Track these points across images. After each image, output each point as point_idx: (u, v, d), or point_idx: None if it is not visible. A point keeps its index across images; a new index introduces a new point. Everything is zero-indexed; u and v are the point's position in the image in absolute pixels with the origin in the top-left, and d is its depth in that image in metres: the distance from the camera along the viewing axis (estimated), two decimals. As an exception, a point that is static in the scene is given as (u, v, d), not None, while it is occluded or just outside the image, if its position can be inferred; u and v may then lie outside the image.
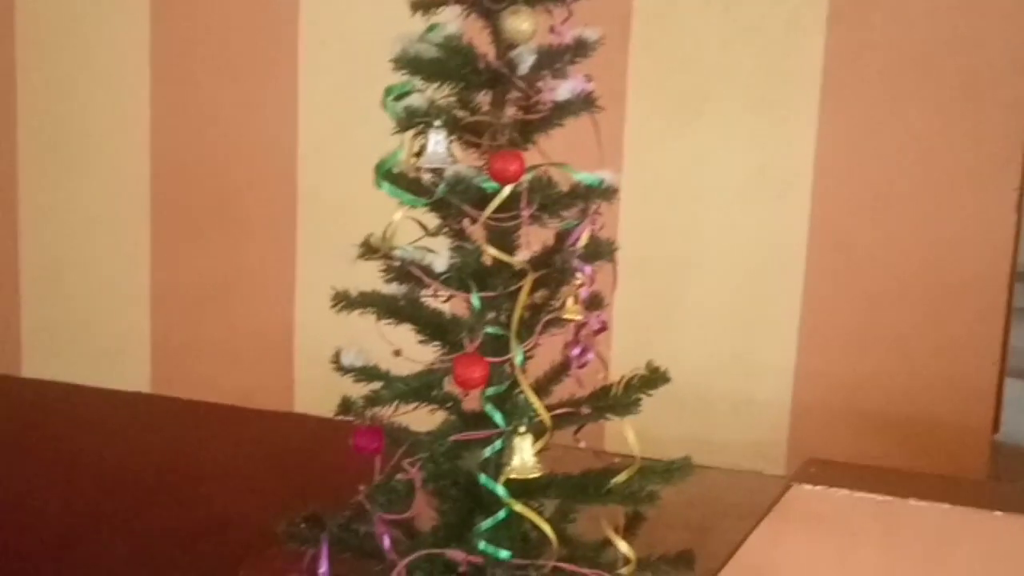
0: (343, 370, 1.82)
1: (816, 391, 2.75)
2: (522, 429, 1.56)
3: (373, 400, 1.70)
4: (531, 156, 1.73)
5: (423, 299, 1.70)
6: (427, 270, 1.61)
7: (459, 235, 1.70)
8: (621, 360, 2.85)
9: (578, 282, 1.62)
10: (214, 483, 3.16)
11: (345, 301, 1.74)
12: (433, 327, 1.71)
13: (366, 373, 1.79)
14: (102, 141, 3.15)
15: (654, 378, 1.73)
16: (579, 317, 1.61)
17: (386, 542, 1.66)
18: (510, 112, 1.67)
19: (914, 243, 2.70)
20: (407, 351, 1.71)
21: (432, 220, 1.74)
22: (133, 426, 3.22)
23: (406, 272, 1.63)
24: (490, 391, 1.59)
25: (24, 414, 3.28)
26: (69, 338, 3.26)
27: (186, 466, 3.16)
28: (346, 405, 1.75)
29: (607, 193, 1.68)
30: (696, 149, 2.77)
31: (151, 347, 3.21)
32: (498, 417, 1.57)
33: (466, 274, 1.60)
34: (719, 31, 2.73)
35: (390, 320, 1.75)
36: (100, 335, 3.24)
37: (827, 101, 2.64)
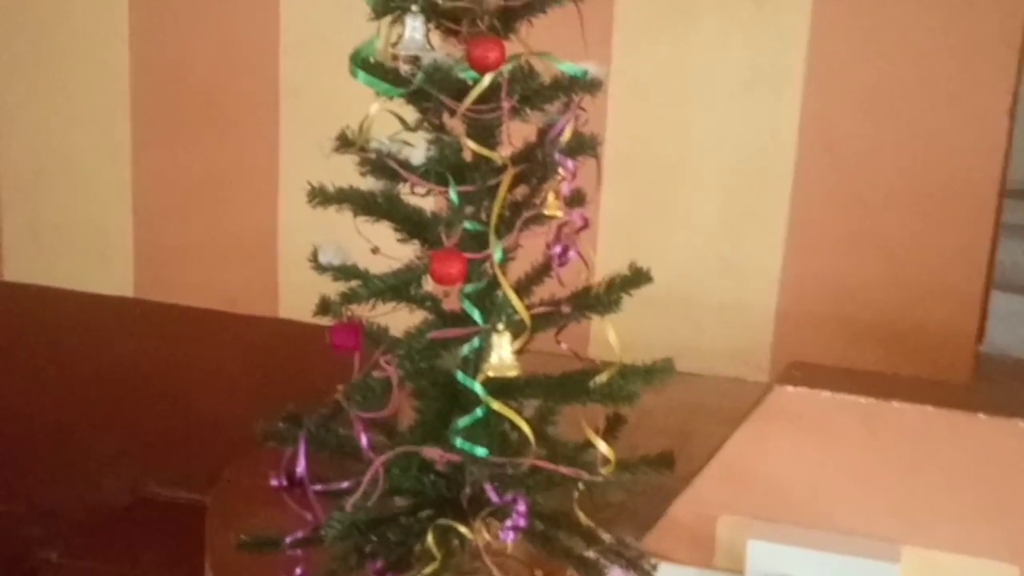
0: (320, 268, 1.80)
1: (802, 297, 2.72)
2: (500, 327, 1.53)
3: (350, 298, 1.66)
4: (513, 46, 1.67)
5: (401, 195, 1.66)
6: (404, 163, 1.56)
7: (438, 128, 1.65)
8: (606, 261, 2.80)
9: (559, 177, 1.57)
10: (198, 387, 3.16)
11: (321, 196, 1.70)
12: (412, 224, 1.67)
13: (344, 271, 1.76)
14: (79, 34, 3.06)
15: (636, 278, 1.70)
16: (560, 214, 1.57)
17: (363, 440, 1.64)
18: (491, -1, 1.61)
19: (906, 148, 2.65)
20: (386, 249, 1.68)
21: (411, 113, 1.70)
22: (117, 330, 3.21)
23: (382, 165, 1.58)
24: (468, 288, 1.56)
25: (6, 318, 3.27)
26: (50, 241, 3.22)
27: (170, 370, 3.17)
28: (324, 305, 1.72)
29: (592, 85, 1.63)
30: (687, 44, 2.70)
31: (133, 250, 3.17)
32: (476, 315, 1.54)
33: (444, 168, 1.55)
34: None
35: (368, 217, 1.71)
36: (81, 237, 3.19)
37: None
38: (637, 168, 2.77)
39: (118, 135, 3.10)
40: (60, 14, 3.07)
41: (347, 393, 1.61)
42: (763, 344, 2.76)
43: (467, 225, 1.56)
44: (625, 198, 2.77)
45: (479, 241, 1.57)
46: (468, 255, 1.53)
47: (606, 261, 2.81)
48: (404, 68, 1.59)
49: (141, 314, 3.19)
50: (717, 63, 2.69)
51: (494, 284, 1.57)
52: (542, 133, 1.62)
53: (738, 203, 2.74)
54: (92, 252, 3.19)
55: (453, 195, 1.55)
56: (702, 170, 2.76)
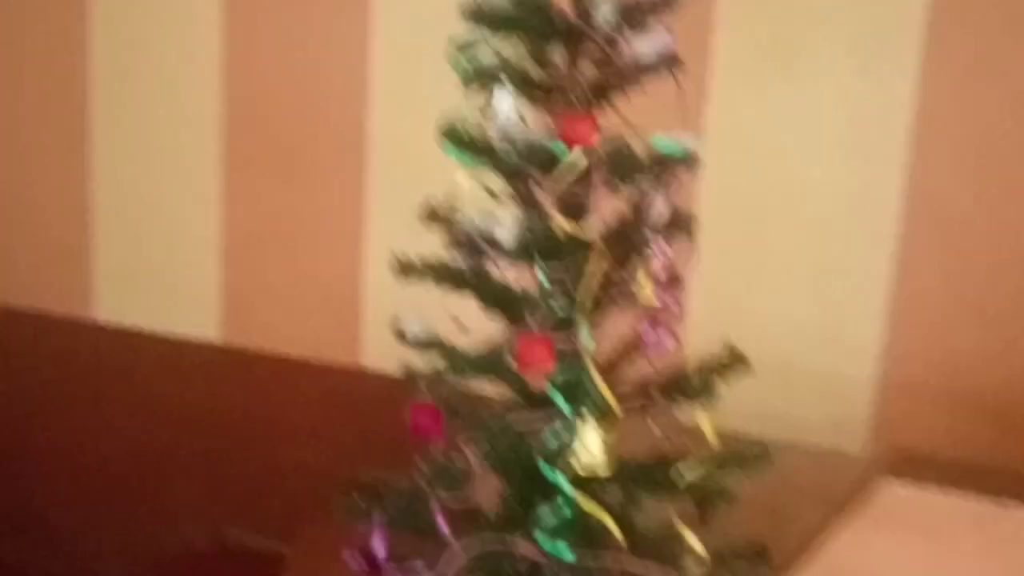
0: (404, 340, 1.75)
1: (904, 368, 2.59)
2: (587, 416, 1.46)
3: (436, 374, 1.61)
4: (606, 119, 1.61)
5: (489, 269, 1.60)
6: (491, 240, 1.50)
7: (527, 201, 1.59)
8: (697, 328, 2.73)
9: (652, 258, 1.50)
10: (279, 435, 3.14)
11: (406, 269, 1.65)
12: (499, 300, 1.61)
13: (429, 344, 1.70)
14: (174, 77, 3.08)
15: (733, 363, 1.61)
16: (652, 298, 1.49)
17: (443, 528, 1.57)
18: (585, 70, 1.55)
19: (1018, 212, 2.51)
20: (474, 322, 1.62)
21: (496, 181, 1.64)
22: (201, 375, 3.20)
23: (470, 241, 1.52)
24: (555, 374, 1.49)
25: (95, 359, 3.29)
26: (140, 284, 3.23)
27: (252, 416, 3.15)
28: (410, 378, 1.67)
29: (688, 161, 1.56)
30: (785, 103, 2.60)
31: (220, 295, 3.17)
32: (561, 402, 1.46)
33: (532, 246, 1.49)
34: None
35: (454, 291, 1.66)
36: (170, 281, 3.20)
37: (930, 53, 2.45)
38: (731, 231, 2.67)
39: (208, 181, 3.10)
40: (155, 63, 3.08)
41: (426, 475, 1.55)
42: (861, 416, 2.63)
43: (555, 307, 1.49)
44: (717, 261, 2.67)
45: (566, 324, 1.50)
46: (555, 339, 1.46)
47: (697, 325, 2.73)
48: (493, 139, 1.53)
49: (226, 359, 3.18)
50: (817, 121, 2.59)
51: (582, 370, 1.49)
52: (635, 208, 1.54)
53: (837, 268, 2.63)
54: (180, 296, 3.19)
55: (542, 276, 1.48)
56: (799, 233, 2.65)
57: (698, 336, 2.76)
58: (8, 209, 3.30)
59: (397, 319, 1.78)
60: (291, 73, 2.98)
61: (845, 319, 2.63)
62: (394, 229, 1.62)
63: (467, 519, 1.61)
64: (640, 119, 1.57)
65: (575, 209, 1.56)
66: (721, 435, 2.61)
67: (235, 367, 3.14)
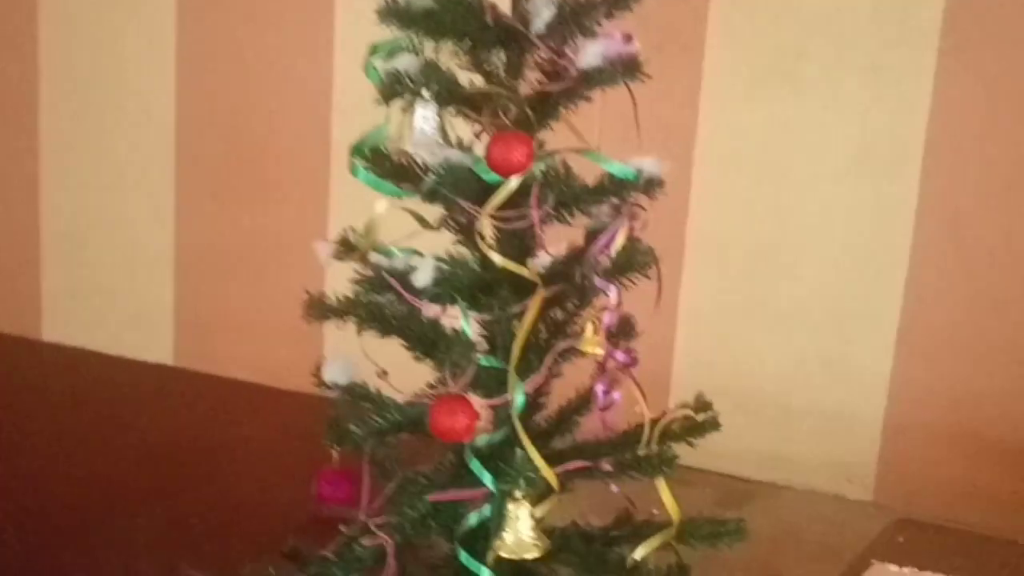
0: (324, 387, 1.52)
1: (915, 406, 2.34)
2: (518, 494, 1.21)
3: (364, 430, 1.37)
4: (557, 137, 1.37)
5: (414, 311, 1.36)
6: (405, 282, 1.26)
7: (464, 232, 1.35)
8: (688, 362, 2.51)
9: (600, 306, 1.25)
10: (239, 465, 2.98)
11: (319, 309, 1.41)
12: (427, 344, 1.37)
13: (353, 394, 1.47)
14: (125, 91, 2.88)
15: (702, 424, 1.37)
16: (598, 351, 1.25)
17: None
18: (528, 81, 1.31)
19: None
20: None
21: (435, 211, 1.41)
22: (156, 399, 3.04)
23: (380, 282, 1.28)
24: (480, 441, 1.25)
25: (44, 380, 3.13)
26: (90, 303, 3.03)
27: (209, 445, 2.98)
28: (337, 433, 1.43)
29: (648, 186, 1.31)
30: (786, 116, 2.35)
31: (174, 316, 2.95)
32: (487, 478, 1.22)
33: (454, 290, 1.25)
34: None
35: (376, 333, 1.42)
36: (122, 301, 3.00)
37: (945, 64, 2.20)
38: (726, 253, 2.42)
39: (162, 196, 2.89)
40: (107, 72, 2.88)
41: (332, 559, 1.31)
42: (868, 459, 2.38)
43: (482, 361, 1.25)
44: (711, 288, 2.42)
45: (498, 379, 1.26)
46: (480, 401, 1.22)
47: (688, 360, 2.51)
48: (418, 164, 1.29)
49: (181, 384, 3.00)
50: (821, 136, 2.33)
51: (512, 437, 1.25)
52: (580, 248, 1.30)
53: (844, 296, 2.37)
54: (132, 316, 2.99)
55: (464, 325, 1.24)
56: (802, 257, 2.39)
57: (687, 374, 2.55)
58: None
59: (320, 363, 1.56)
60: (249, 85, 2.76)
61: (852, 353, 2.38)
62: (397, 230, 1.39)
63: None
64: (617, 137, 1.33)
65: (517, 243, 1.32)
66: (709, 480, 2.37)
67: (190, 391, 2.95)
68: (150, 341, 2.98)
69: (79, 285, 3.02)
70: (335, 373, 1.49)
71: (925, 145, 2.24)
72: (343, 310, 1.39)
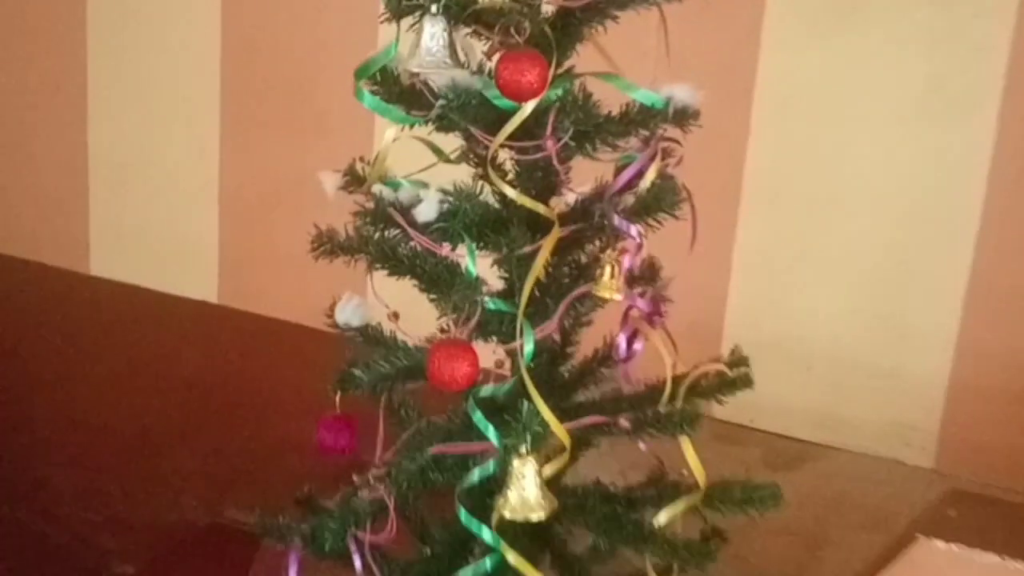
0: (336, 327, 1.44)
1: (982, 366, 2.18)
2: (524, 449, 1.12)
3: (354, 380, 1.29)
4: (583, 61, 1.25)
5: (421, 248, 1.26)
6: (409, 216, 1.16)
7: (483, 165, 1.25)
8: (742, 313, 2.38)
9: (619, 247, 1.14)
10: (281, 405, 2.98)
11: (328, 246, 1.33)
12: (441, 283, 1.27)
13: (365, 336, 1.39)
14: (170, 25, 2.81)
15: (733, 381, 1.25)
16: (617, 296, 1.14)
17: (357, 564, 1.26)
18: (552, -3, 1.19)
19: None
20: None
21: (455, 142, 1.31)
22: (199, 337, 3.03)
23: (383, 215, 1.18)
24: (486, 391, 1.15)
25: (90, 314, 3.14)
26: (136, 238, 2.99)
27: (251, 385, 2.98)
28: (346, 380, 1.36)
29: (679, 117, 1.19)
30: (850, 53, 2.18)
31: (218, 253, 2.91)
32: (491, 431, 1.12)
33: (462, 225, 1.14)
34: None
35: (387, 271, 1.33)
36: (166, 237, 2.95)
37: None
38: (783, 199, 2.27)
39: (207, 131, 2.82)
40: (152, 4, 2.81)
41: (334, 512, 1.23)
42: (930, 421, 2.23)
43: (490, 304, 1.15)
44: (766, 235, 2.29)
45: (506, 326, 1.16)
46: (487, 346, 1.12)
47: (740, 312, 2.38)
48: (429, 88, 1.19)
49: (224, 322, 2.97)
50: (888, 75, 2.16)
51: (521, 388, 1.15)
52: (606, 185, 1.19)
53: (907, 249, 2.22)
54: (176, 253, 2.95)
55: (471, 264, 1.14)
56: (863, 206, 2.24)
57: (740, 325, 2.42)
58: (6, 160, 3.09)
59: (334, 303, 1.49)
60: (295, 15, 2.67)
61: (916, 310, 2.23)
62: (417, 161, 1.30)
63: (388, 562, 1.30)
64: (624, 66, 1.21)
65: (533, 178, 1.21)
66: (757, 439, 2.24)
67: (232, 329, 2.93)
68: (194, 277, 2.94)
69: (125, 220, 2.98)
70: (348, 314, 1.41)
71: (1004, 85, 2.06)
72: (353, 247, 1.30)
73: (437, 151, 1.32)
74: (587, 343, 1.37)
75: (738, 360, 1.32)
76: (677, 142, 1.24)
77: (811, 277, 2.29)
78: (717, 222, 2.27)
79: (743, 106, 2.25)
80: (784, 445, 2.29)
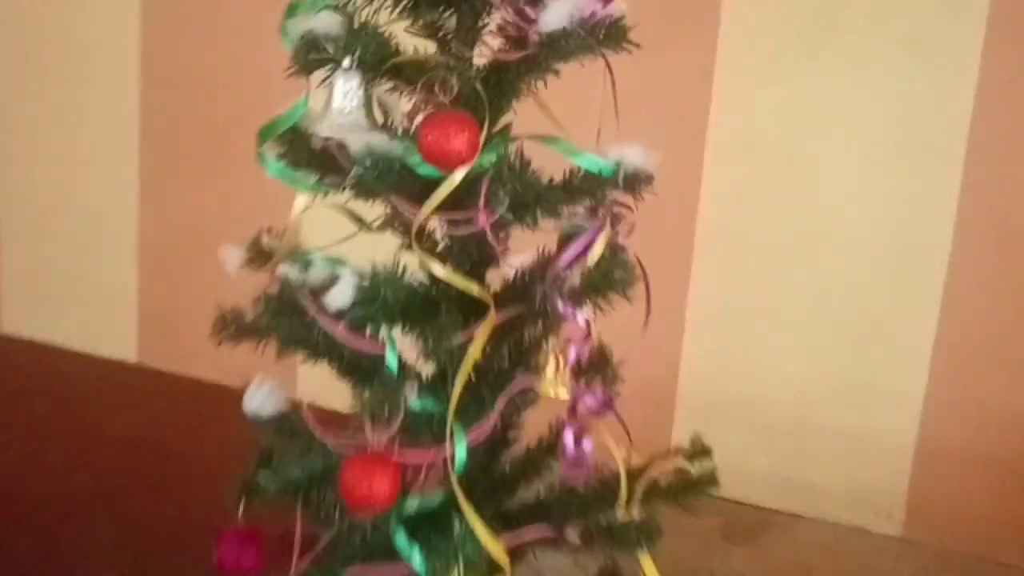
0: (247, 417, 1.28)
1: (951, 428, 2.06)
2: (454, 570, 0.95)
3: (280, 481, 1.12)
4: (520, 118, 1.10)
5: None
6: (319, 300, 1.00)
7: (410, 235, 1.09)
8: (697, 373, 2.24)
9: (563, 339, 0.98)
10: (202, 470, 2.81)
11: (231, 328, 1.16)
12: (362, 372, 1.11)
13: (279, 429, 1.22)
14: (86, 59, 2.63)
15: (696, 482, 1.10)
16: (561, 394, 0.98)
17: None
18: (480, 43, 1.04)
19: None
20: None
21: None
22: (117, 399, 2.85)
23: (290, 302, 1.02)
24: (408, 506, 0.98)
25: (3, 374, 2.96)
26: (48, 292, 2.80)
27: (172, 449, 2.80)
28: (251, 488, 1.19)
29: (631, 182, 1.04)
30: (811, 96, 2.06)
31: (138, 308, 2.71)
32: (416, 555, 0.96)
33: (381, 310, 0.98)
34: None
35: (301, 355, 1.17)
36: (83, 289, 2.76)
37: (994, 36, 1.90)
38: (741, 251, 2.14)
39: (125, 176, 2.64)
40: (68, 44, 2.63)
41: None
42: (897, 487, 2.10)
43: (414, 404, 0.99)
44: (723, 289, 2.15)
45: (435, 427, 1.00)
46: (405, 453, 0.96)
47: (694, 372, 2.24)
48: (342, 151, 1.03)
49: (143, 383, 2.79)
50: (850, 119, 2.04)
51: (452, 501, 0.98)
52: (547, 258, 1.03)
53: (872, 301, 2.09)
54: (94, 307, 2.75)
55: (391, 357, 0.97)
56: (824, 256, 2.10)
57: (695, 386, 2.28)
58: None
59: (247, 384, 1.33)
60: (218, 56, 2.50)
61: (882, 368, 2.10)
62: (335, 231, 1.14)
63: None
64: (600, 122, 1.06)
65: (465, 253, 1.05)
66: (716, 507, 2.09)
67: (153, 391, 2.74)
68: (112, 334, 2.74)
69: (37, 272, 2.79)
70: (259, 401, 1.25)
71: (970, 131, 1.94)
72: (260, 329, 1.14)
73: (357, 219, 1.16)
74: (531, 426, 1.22)
75: (700, 451, 1.17)
76: (628, 207, 1.10)
77: (770, 332, 2.15)
78: (669, 274, 2.13)
79: (695, 150, 2.11)
80: (744, 513, 2.14)
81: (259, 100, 2.48)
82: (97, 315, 2.76)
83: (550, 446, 1.17)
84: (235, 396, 2.93)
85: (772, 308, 2.15)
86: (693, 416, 2.20)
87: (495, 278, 1.09)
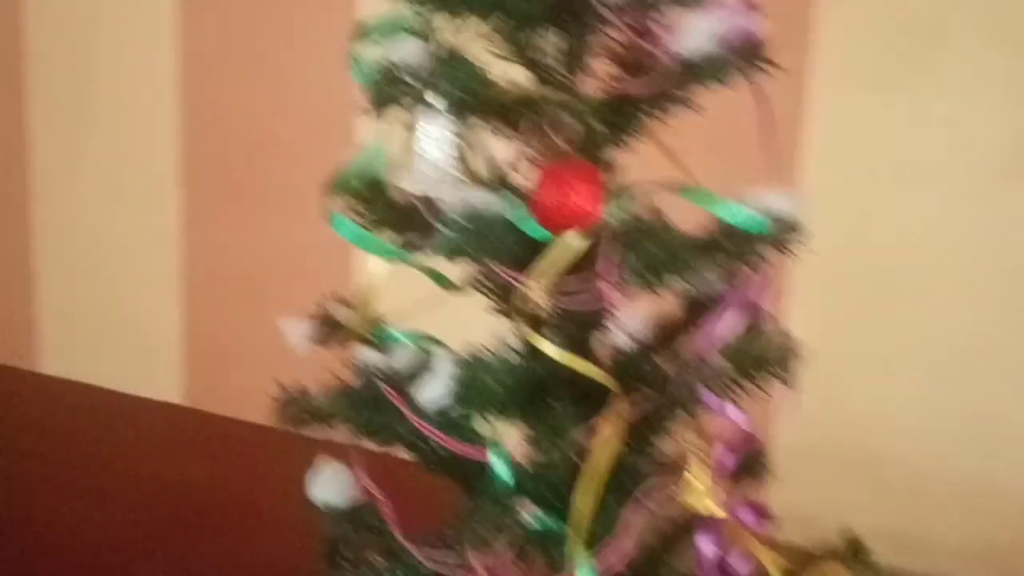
0: (313, 505, 1.11)
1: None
2: None
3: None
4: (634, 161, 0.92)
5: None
6: (404, 392, 0.81)
7: (503, 297, 0.91)
8: (794, 415, 2.07)
9: (709, 424, 0.80)
10: (253, 518, 2.72)
11: (296, 412, 0.98)
12: (456, 472, 0.93)
13: (353, 522, 1.05)
14: (125, 93, 2.53)
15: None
16: (714, 509, 0.79)
17: None
18: (594, 74, 0.86)
19: None
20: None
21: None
22: (162, 443, 2.75)
23: (372, 394, 0.84)
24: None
25: (38, 416, 2.89)
26: (88, 331, 2.68)
27: (220, 496, 2.70)
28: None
29: (782, 234, 0.85)
30: (915, 110, 1.87)
31: (183, 349, 2.59)
32: None
33: (482, 405, 0.80)
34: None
35: (377, 441, 0.99)
36: (124, 331, 2.65)
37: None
38: (838, 280, 1.95)
39: (165, 213, 2.52)
40: (105, 78, 2.52)
41: None
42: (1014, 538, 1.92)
43: (532, 522, 0.80)
44: (821, 322, 1.96)
45: (550, 549, 0.81)
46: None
47: (793, 410, 2.07)
48: (428, 207, 0.85)
49: (192, 426, 2.68)
50: (961, 133, 1.85)
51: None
52: (675, 325, 0.84)
53: (992, 337, 1.89)
54: (135, 349, 2.63)
55: (499, 465, 0.79)
56: (936, 284, 1.91)
57: (793, 430, 2.11)
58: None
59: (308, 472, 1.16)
60: (260, 83, 2.36)
61: (1004, 410, 1.91)
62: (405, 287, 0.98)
63: None
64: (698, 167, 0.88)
65: (571, 325, 0.87)
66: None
67: (202, 435, 2.63)
68: (157, 376, 2.63)
69: (76, 310, 2.68)
70: (323, 488, 1.07)
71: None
72: (330, 413, 0.96)
73: (440, 278, 0.98)
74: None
75: (856, 549, 0.97)
76: (767, 264, 0.91)
77: (878, 372, 1.96)
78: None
79: (786, 170, 1.94)
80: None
81: (306, 128, 2.36)
82: (139, 355, 2.65)
83: (673, 539, 0.97)
84: (287, 439, 2.81)
85: (878, 343, 1.95)
86: (797, 469, 2.04)
87: (599, 346, 0.91)
